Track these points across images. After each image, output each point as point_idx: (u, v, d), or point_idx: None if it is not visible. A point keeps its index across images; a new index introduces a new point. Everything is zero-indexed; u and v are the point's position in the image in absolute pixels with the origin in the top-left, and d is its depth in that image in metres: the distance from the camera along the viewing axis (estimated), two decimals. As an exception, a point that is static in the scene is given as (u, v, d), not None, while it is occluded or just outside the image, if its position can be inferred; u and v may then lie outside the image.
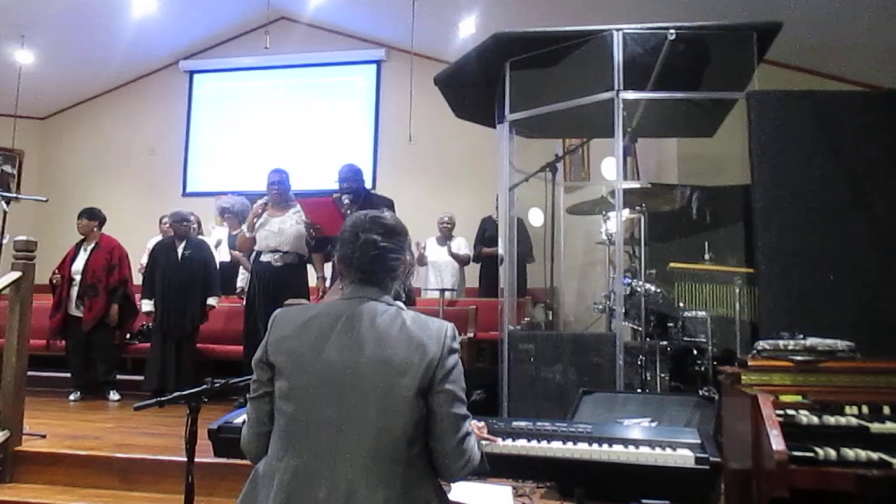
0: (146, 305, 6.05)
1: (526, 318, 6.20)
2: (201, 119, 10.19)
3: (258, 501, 1.69)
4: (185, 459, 2.30)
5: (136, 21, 8.58)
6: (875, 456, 1.97)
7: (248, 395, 1.84)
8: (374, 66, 9.73)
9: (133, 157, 10.12)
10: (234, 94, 10.14)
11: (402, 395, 1.66)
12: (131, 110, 10.26)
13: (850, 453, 1.98)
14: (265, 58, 9.44)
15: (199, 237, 6.53)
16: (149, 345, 6.18)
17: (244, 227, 5.27)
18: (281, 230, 5.17)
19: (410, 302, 6.11)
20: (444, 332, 1.74)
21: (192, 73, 10.27)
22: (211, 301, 6.08)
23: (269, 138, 9.72)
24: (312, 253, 5.26)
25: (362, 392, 1.66)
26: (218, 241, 7.26)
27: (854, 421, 2.12)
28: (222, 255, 7.15)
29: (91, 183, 9.93)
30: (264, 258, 5.19)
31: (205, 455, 2.38)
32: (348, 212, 4.64)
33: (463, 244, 7.57)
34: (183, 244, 6.11)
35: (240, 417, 2.27)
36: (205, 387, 2.34)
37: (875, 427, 2.07)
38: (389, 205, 4.98)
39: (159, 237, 7.10)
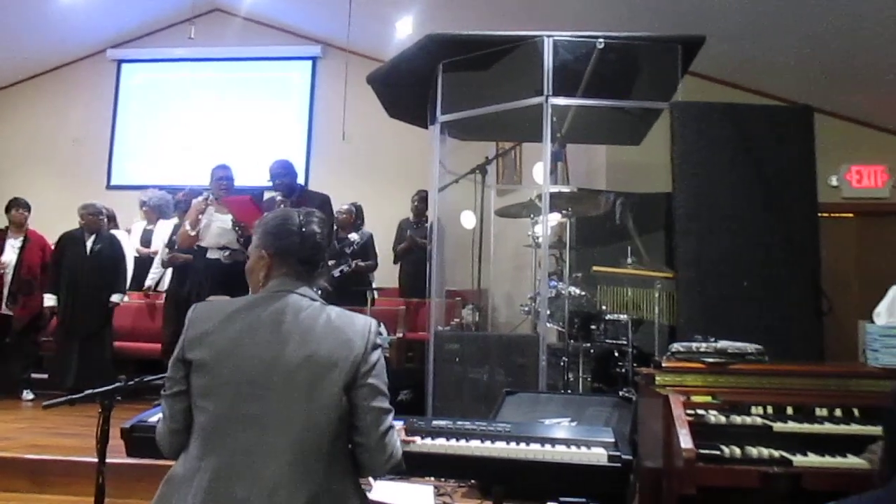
0: (49, 300, 5.82)
1: (456, 320, 6.23)
2: (129, 110, 9.85)
3: None
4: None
5: (63, 5, 8.25)
6: (777, 454, 2.07)
7: (162, 392, 1.80)
8: (309, 63, 9.60)
9: (56, 147, 9.70)
10: (165, 86, 9.84)
11: (327, 391, 1.65)
12: (55, 98, 9.83)
13: (753, 451, 2.07)
14: (198, 49, 9.20)
15: (112, 232, 6.34)
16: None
17: (187, 224, 5.03)
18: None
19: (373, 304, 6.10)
20: (368, 328, 1.75)
21: (120, 62, 9.91)
22: (114, 298, 5.87)
23: (200, 132, 9.47)
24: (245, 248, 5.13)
25: (286, 388, 1.65)
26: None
27: (759, 420, 2.21)
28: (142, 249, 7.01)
29: (11, 173, 9.48)
30: (211, 255, 4.99)
31: (122, 456, 2.31)
32: (280, 207, 4.56)
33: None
34: (93, 238, 5.90)
35: (154, 416, 2.21)
36: (118, 384, 2.28)
37: (778, 426, 2.17)
38: (325, 201, 4.93)
39: (81, 231, 6.86)
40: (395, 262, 7.59)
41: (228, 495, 1.59)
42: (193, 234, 4.99)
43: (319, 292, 1.89)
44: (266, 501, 1.58)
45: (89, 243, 5.87)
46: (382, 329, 6.11)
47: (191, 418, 1.72)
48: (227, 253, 4.96)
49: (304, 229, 1.84)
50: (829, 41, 5.19)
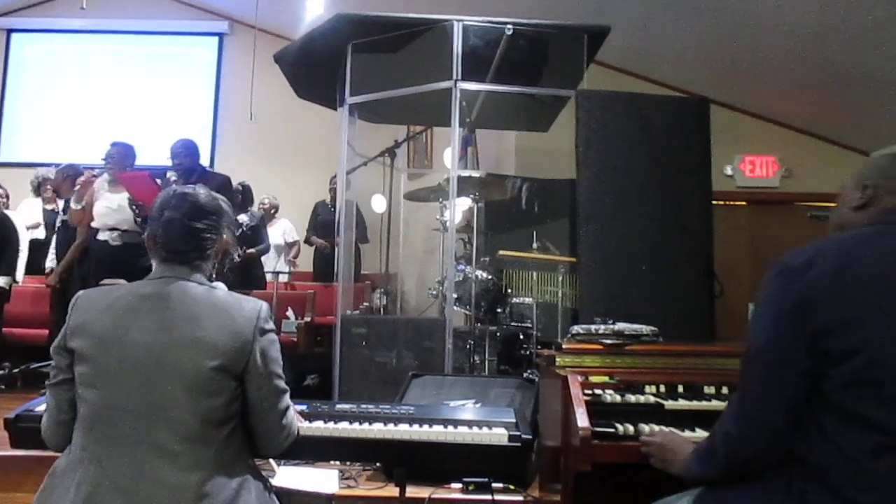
0: None
1: (365, 304, 6.21)
2: (20, 83, 9.30)
3: (56, 496, 1.59)
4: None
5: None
6: (667, 430, 2.15)
7: (46, 382, 1.74)
8: (215, 39, 9.31)
9: (-65, 120, 9.08)
10: (60, 59, 9.33)
11: (212, 377, 1.62)
12: (-66, 68, 9.20)
13: (645, 428, 2.14)
14: (96, 21, 8.79)
15: (4, 212, 5.96)
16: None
17: (72, 199, 4.87)
18: (121, 207, 4.78)
19: (262, 286, 5.97)
20: (256, 313, 1.71)
21: (10, 31, 9.34)
22: None
23: (99, 109, 9.04)
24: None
25: (170, 374, 1.60)
26: (36, 222, 6.69)
27: (652, 399, 2.29)
28: (38, 231, 6.62)
29: None
30: (101, 237, 4.79)
31: (6, 448, 2.20)
32: (174, 186, 4.41)
33: (288, 228, 7.45)
34: None
35: (41, 405, 2.11)
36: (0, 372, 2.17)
37: (669, 404, 2.25)
38: (224, 183, 4.80)
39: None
40: (306, 243, 7.51)
41: (113, 487, 1.54)
42: (77, 208, 4.84)
43: (218, 277, 1.85)
44: (153, 492, 1.54)
45: None
46: (290, 314, 6.03)
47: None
48: (115, 234, 4.76)
49: (164, 214, 1.77)
50: (726, 36, 5.43)
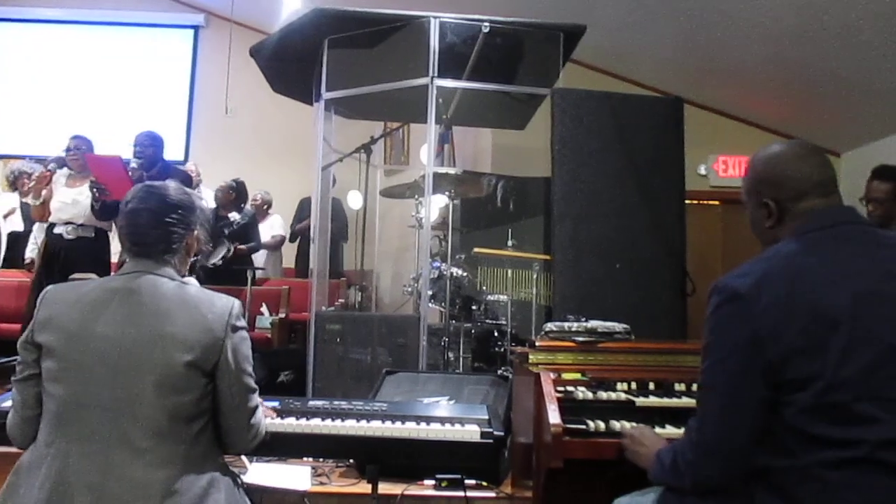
0: None
1: (340, 300, 6.19)
2: (-9, 73, 9.17)
3: (21, 493, 1.57)
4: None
5: None
6: (640, 425, 2.17)
7: (12, 378, 1.72)
8: (191, 32, 9.24)
9: None
10: (32, 49, 9.19)
11: (182, 373, 1.61)
12: None
13: (616, 425, 2.15)
14: (69, 11, 8.68)
15: None
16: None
17: (30, 196, 4.83)
18: (76, 201, 4.73)
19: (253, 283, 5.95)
20: (228, 310, 1.70)
21: (-20, 20, 9.21)
22: None
23: (73, 100, 8.93)
24: (99, 219, 4.78)
25: (139, 370, 1.59)
26: (12, 208, 6.59)
27: (623, 396, 2.31)
28: (14, 224, 6.52)
29: None
30: (57, 230, 4.76)
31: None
32: (132, 174, 4.44)
33: (278, 223, 7.41)
34: None
35: (6, 401, 2.08)
36: (-37, 368, 2.14)
37: (640, 401, 2.28)
38: (184, 179, 4.75)
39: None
40: (291, 241, 7.46)
41: (79, 483, 1.53)
42: (36, 203, 4.83)
43: (192, 273, 1.84)
44: (120, 489, 1.53)
45: None
46: (264, 310, 5.99)
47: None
48: (70, 228, 4.72)
49: (128, 207, 1.76)
50: (701, 37, 5.47)
